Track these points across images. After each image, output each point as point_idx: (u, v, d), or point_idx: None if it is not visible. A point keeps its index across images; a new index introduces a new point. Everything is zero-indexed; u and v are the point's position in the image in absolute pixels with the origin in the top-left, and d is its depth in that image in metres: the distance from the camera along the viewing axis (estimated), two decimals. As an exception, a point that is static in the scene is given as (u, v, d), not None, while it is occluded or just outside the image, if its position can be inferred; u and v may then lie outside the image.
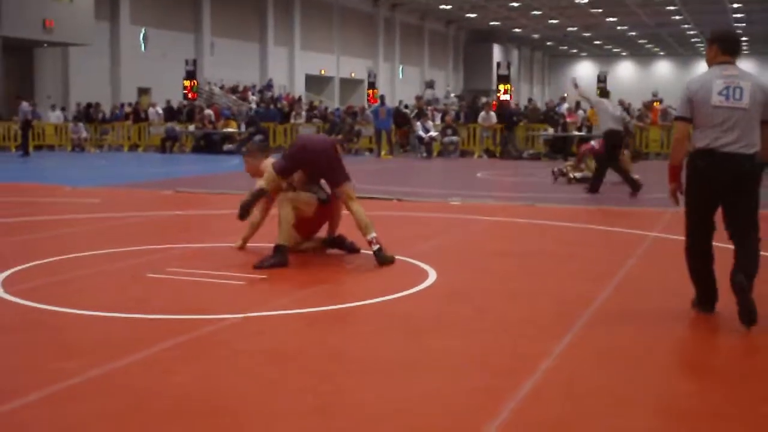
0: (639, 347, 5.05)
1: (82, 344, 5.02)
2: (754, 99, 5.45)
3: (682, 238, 5.82)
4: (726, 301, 5.56)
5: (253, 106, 34.44)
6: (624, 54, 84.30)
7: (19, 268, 7.31)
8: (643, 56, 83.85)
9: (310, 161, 7.75)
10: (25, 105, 26.94)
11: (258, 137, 28.27)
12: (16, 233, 9.68)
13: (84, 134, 30.20)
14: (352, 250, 8.07)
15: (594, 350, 4.97)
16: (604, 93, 17.08)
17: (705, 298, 5.78)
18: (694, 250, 5.70)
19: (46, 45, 34.63)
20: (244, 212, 7.91)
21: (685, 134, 5.67)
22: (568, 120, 27.16)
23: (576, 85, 15.92)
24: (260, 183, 7.95)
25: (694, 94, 5.55)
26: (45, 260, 7.72)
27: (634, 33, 68.56)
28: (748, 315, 5.21)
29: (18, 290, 6.40)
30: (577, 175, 16.62)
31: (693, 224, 5.69)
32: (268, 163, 8.16)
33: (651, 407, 4.03)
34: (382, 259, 7.54)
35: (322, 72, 52.96)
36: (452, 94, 46.84)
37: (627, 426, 3.80)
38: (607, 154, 14.38)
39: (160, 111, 31.50)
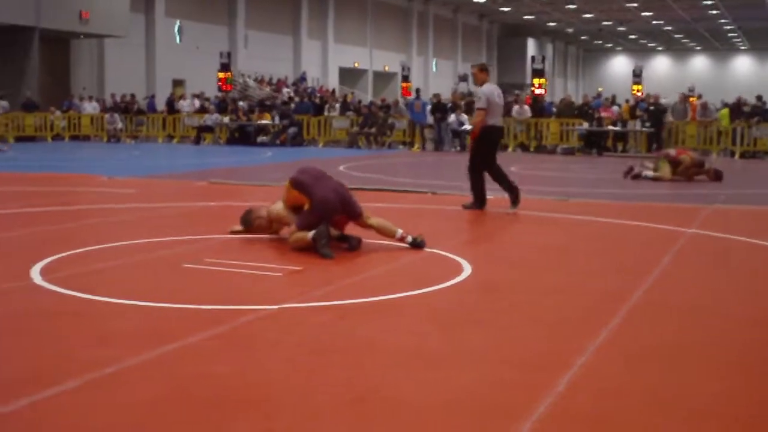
0: (675, 344, 5.01)
1: (118, 333, 5.05)
2: None
3: (722, 235, 5.77)
4: (764, 303, 5.51)
5: (286, 98, 34.48)
6: (660, 49, 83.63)
7: (57, 256, 7.37)
8: (679, 51, 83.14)
9: (331, 210, 7.84)
10: None
11: (292, 129, 28.38)
12: (54, 222, 9.77)
13: (119, 125, 30.40)
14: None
15: (629, 347, 4.93)
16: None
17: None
18: None
19: (82, 37, 34.93)
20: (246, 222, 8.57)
21: None
22: (603, 115, 26.98)
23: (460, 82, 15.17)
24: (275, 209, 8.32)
25: None
26: (82, 249, 7.78)
27: (670, 27, 68.01)
28: None
29: (55, 278, 6.46)
30: (649, 174, 16.44)
31: None
32: (275, 208, 8.34)
33: (686, 406, 3.99)
34: (422, 244, 7.89)
35: (356, 65, 53.01)
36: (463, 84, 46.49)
37: (663, 424, 3.77)
38: (477, 150, 11.63)
39: (197, 103, 31.63)
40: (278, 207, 8.28)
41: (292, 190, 8.00)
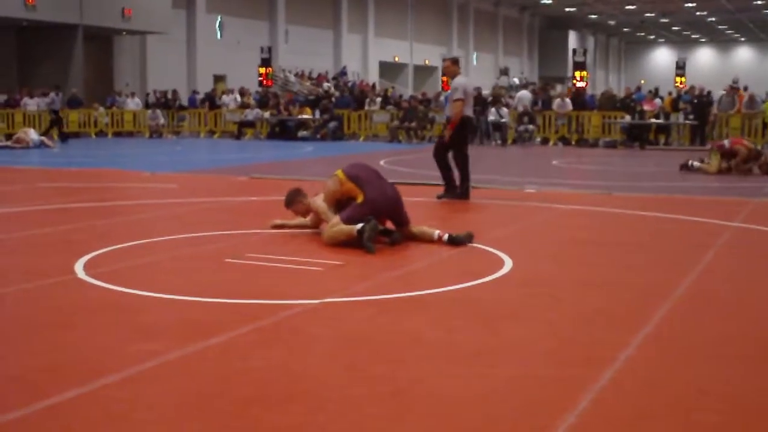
0: (720, 339, 4.94)
1: (160, 327, 5.09)
2: None
3: (767, 228, 5.68)
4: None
5: (328, 91, 34.53)
6: (703, 40, 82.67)
7: (101, 251, 7.45)
8: (722, 42, 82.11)
9: (379, 211, 7.91)
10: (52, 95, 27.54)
11: (332, 124, 28.42)
12: (97, 218, 9.86)
13: (161, 121, 30.64)
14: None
15: (674, 342, 4.88)
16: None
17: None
18: None
19: (124, 33, 35.28)
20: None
21: None
22: (646, 108, 26.72)
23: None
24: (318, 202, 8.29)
25: None
26: (125, 244, 7.85)
27: (713, 18, 67.21)
28: None
29: (99, 273, 6.52)
30: (696, 164, 16.24)
31: None
32: (314, 199, 8.41)
33: (732, 401, 3.94)
34: (460, 239, 7.85)
35: (396, 59, 52.97)
36: (515, 81, 46.21)
37: (707, 420, 3.72)
38: (454, 141, 11.75)
39: (238, 98, 31.79)
40: (318, 200, 8.30)
41: (348, 182, 8.02)
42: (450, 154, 11.81)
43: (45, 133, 26.98)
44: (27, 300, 5.79)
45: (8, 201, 11.37)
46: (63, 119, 27.84)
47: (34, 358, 4.49)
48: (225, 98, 31.93)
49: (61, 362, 4.40)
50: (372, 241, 7.45)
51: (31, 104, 29.21)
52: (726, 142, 16.69)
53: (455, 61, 12.21)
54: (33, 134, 24.06)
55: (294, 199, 8.64)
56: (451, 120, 11.78)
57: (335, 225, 7.78)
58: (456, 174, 11.77)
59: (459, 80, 11.77)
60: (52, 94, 27.51)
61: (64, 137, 27.03)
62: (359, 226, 7.52)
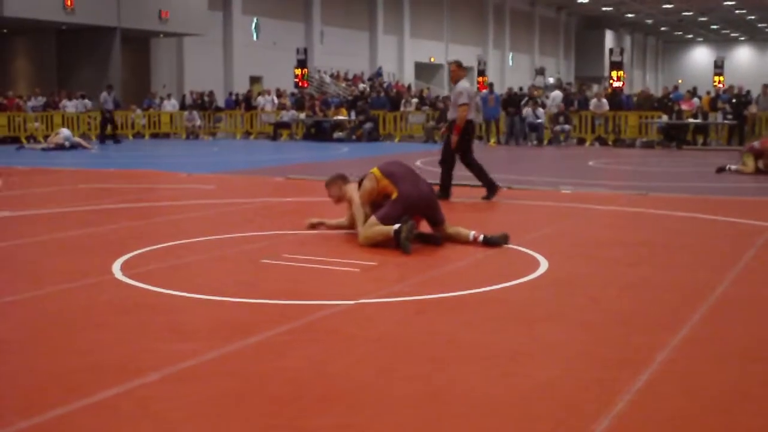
0: (759, 341, 4.90)
1: (197, 327, 5.13)
2: None
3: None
4: None
5: (363, 92, 34.57)
6: (742, 39, 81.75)
7: (138, 252, 7.52)
8: (762, 41, 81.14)
9: (413, 207, 7.93)
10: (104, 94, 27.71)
11: (368, 125, 28.45)
12: (135, 218, 9.96)
13: (198, 122, 30.83)
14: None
15: (712, 343, 4.84)
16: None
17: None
18: None
19: (161, 35, 35.56)
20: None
21: None
22: (684, 107, 26.48)
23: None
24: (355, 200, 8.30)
25: None
26: (162, 245, 7.92)
27: (753, 16, 66.43)
28: None
29: (136, 273, 6.58)
30: (733, 167, 16.14)
31: None
32: (351, 188, 8.45)
33: (773, 403, 3.90)
34: (496, 240, 7.85)
35: (432, 60, 52.92)
36: (550, 80, 45.93)
37: (747, 423, 3.69)
38: (459, 145, 11.81)
39: (276, 100, 31.92)
40: (356, 196, 8.31)
41: (383, 179, 8.05)
42: (464, 160, 11.90)
43: (99, 134, 27.31)
44: (66, 300, 5.86)
45: (49, 202, 11.51)
46: (115, 120, 28.13)
47: (75, 357, 4.54)
48: (260, 99, 32.07)
49: (100, 361, 4.45)
50: (409, 242, 7.47)
51: (70, 106, 29.55)
52: (756, 143, 16.60)
53: (460, 65, 12.25)
54: (65, 133, 24.33)
55: (334, 181, 8.71)
56: (455, 124, 11.80)
57: (372, 225, 7.79)
58: (483, 171, 11.82)
59: (464, 85, 11.88)
60: (104, 94, 27.60)
61: (116, 139, 27.31)
62: (396, 226, 7.53)
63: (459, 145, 11.75)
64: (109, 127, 27.48)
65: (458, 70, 12.08)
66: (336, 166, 16.88)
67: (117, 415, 3.71)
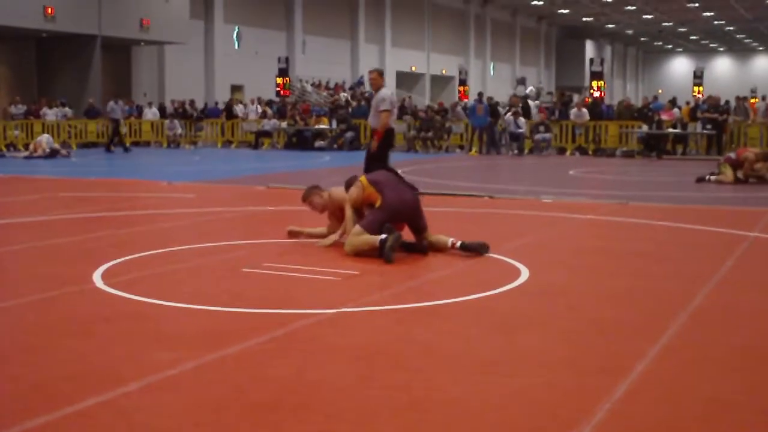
0: (737, 350, 4.93)
1: (178, 336, 5.12)
2: None
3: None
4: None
5: (342, 103, 34.61)
6: (721, 49, 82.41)
7: (118, 260, 7.50)
8: (741, 51, 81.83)
9: (397, 214, 7.97)
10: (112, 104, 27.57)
11: (349, 134, 28.47)
12: (115, 227, 9.93)
13: (179, 131, 30.74)
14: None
15: (691, 352, 4.87)
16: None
17: None
18: None
19: (142, 44, 35.47)
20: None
21: None
22: (664, 117, 26.63)
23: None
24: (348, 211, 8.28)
25: None
26: (143, 253, 7.90)
27: (731, 28, 66.99)
28: None
29: (116, 282, 6.57)
30: (712, 177, 16.26)
31: None
32: (340, 194, 8.43)
33: (750, 412, 3.93)
34: (473, 247, 7.90)
35: (413, 69, 53.03)
36: (531, 89, 46.00)
37: None
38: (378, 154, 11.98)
39: (259, 108, 31.90)
40: (340, 193, 8.34)
41: (369, 187, 8.10)
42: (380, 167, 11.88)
43: (110, 143, 27.12)
44: (47, 309, 5.83)
45: (29, 210, 11.45)
46: (123, 128, 28.00)
47: (55, 366, 4.52)
48: (242, 107, 32.01)
49: (81, 371, 4.43)
50: (392, 252, 7.49)
51: (50, 114, 29.41)
52: (732, 155, 16.79)
53: (381, 74, 12.50)
54: (46, 139, 24.23)
55: (311, 193, 8.73)
56: (377, 131, 11.91)
57: (358, 234, 7.81)
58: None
59: (385, 92, 12.08)
60: (111, 103, 27.45)
61: (125, 146, 27.17)
62: (383, 236, 7.56)
63: (378, 152, 11.86)
64: (117, 137, 27.28)
65: (378, 78, 12.29)
66: (317, 175, 16.89)
67: (97, 425, 3.70)
